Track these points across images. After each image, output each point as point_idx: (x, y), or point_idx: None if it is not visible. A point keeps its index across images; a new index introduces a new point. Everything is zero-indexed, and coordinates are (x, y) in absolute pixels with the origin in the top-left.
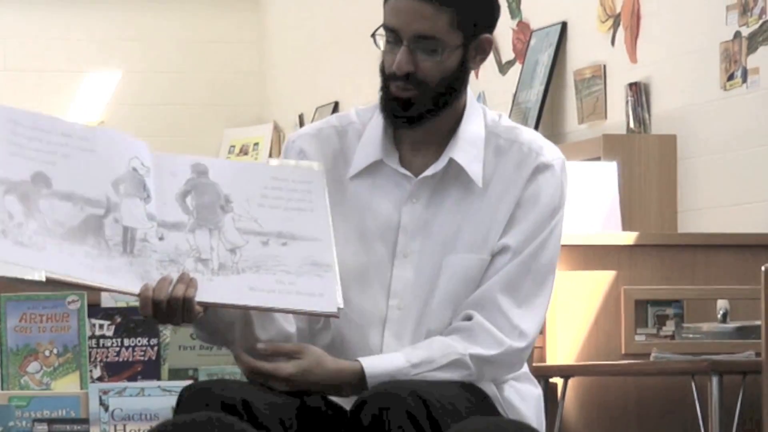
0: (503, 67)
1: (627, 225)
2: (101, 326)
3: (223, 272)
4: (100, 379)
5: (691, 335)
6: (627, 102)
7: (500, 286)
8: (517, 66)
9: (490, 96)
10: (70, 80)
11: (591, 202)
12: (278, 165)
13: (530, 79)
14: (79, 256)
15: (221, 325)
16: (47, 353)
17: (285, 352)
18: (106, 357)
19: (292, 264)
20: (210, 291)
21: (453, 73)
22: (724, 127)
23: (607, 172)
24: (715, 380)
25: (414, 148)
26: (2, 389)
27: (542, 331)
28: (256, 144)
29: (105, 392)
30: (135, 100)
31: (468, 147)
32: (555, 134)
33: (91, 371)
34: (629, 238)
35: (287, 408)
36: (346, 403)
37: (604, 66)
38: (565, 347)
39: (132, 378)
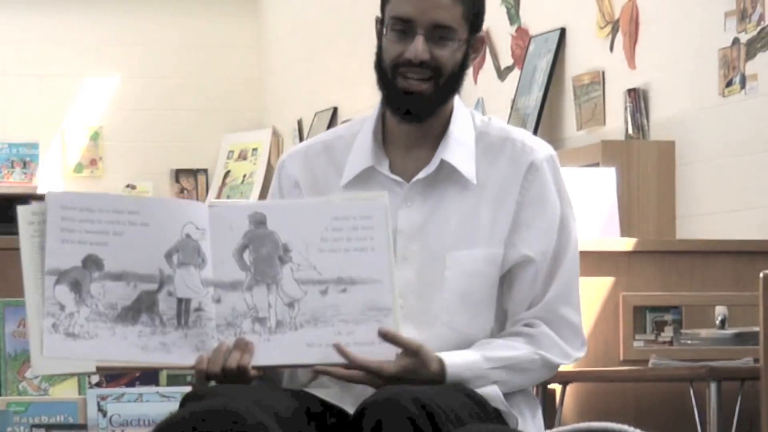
0: (502, 73)
1: (625, 231)
2: None
3: (280, 330)
4: (98, 384)
5: (689, 341)
6: (626, 108)
7: (555, 295)
8: (516, 72)
9: (489, 101)
10: (69, 85)
11: (589, 208)
12: (341, 202)
13: (529, 84)
14: (132, 337)
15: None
16: None
17: (402, 345)
18: None
19: (351, 312)
20: (266, 353)
21: (459, 68)
22: (722, 134)
23: (606, 178)
24: (713, 386)
25: (405, 152)
26: (0, 395)
27: None
28: (255, 149)
29: (103, 398)
30: (134, 105)
31: (459, 147)
32: (554, 140)
33: (89, 377)
34: (628, 244)
35: (290, 414)
36: (349, 408)
37: (603, 72)
38: None
39: (130, 384)
